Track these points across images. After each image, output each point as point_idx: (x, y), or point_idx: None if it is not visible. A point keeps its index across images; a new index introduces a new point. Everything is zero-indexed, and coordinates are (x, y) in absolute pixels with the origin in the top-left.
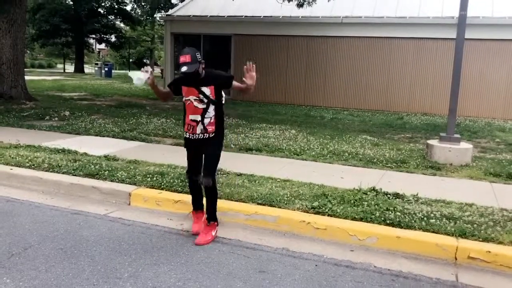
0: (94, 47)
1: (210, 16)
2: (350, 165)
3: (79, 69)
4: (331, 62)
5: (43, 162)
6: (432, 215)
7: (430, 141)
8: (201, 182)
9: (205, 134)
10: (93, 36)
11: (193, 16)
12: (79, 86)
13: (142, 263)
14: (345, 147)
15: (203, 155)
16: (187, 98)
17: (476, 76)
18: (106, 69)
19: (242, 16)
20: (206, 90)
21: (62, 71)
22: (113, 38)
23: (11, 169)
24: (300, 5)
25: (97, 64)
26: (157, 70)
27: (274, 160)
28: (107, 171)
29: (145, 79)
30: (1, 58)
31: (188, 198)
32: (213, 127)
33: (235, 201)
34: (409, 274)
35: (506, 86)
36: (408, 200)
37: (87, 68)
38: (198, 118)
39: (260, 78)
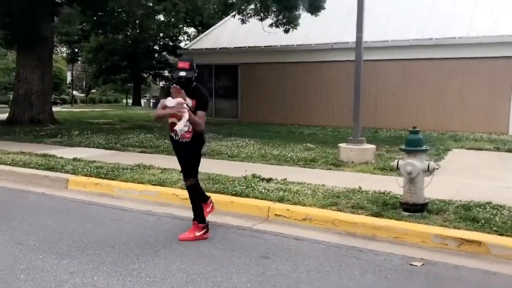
0: (150, 82)
1: (220, 48)
2: (268, 164)
3: (137, 102)
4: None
5: (19, 161)
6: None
7: (340, 144)
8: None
9: (182, 139)
10: (149, 72)
11: (205, 48)
12: (118, 115)
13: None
14: (278, 151)
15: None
16: None
17: None
18: (153, 101)
19: (246, 46)
20: (189, 101)
21: (125, 104)
22: (166, 73)
23: None
24: (286, 31)
25: (145, 96)
26: None
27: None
28: (60, 166)
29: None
30: (31, 89)
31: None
32: (190, 135)
33: None
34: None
35: None
36: (275, 182)
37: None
38: (176, 121)
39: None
